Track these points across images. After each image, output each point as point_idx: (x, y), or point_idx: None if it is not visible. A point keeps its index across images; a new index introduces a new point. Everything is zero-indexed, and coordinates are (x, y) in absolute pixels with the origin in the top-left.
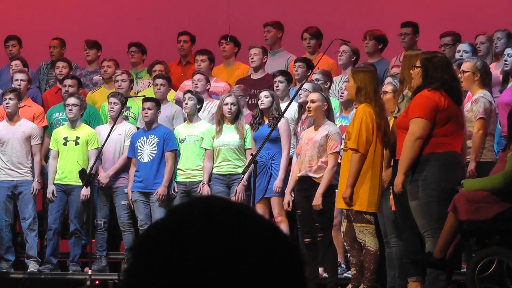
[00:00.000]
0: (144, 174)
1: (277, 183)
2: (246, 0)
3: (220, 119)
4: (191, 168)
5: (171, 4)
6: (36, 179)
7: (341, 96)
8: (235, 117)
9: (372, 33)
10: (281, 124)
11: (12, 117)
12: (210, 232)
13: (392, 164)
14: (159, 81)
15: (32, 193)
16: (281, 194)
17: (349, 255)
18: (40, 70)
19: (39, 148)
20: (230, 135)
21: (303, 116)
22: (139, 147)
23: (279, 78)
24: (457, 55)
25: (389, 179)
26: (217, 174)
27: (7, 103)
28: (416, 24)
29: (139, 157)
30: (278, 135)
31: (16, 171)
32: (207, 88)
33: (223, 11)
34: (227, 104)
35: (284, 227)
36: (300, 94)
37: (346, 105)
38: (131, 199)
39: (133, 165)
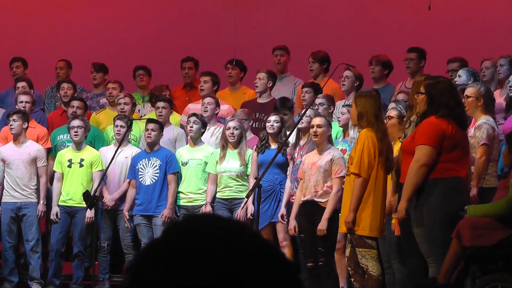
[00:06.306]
0: (146, 197)
1: (282, 210)
2: (252, 24)
3: (224, 144)
4: (193, 192)
5: (177, 27)
6: (42, 201)
7: (338, 120)
8: (239, 142)
9: (378, 58)
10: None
11: (17, 138)
12: (207, 250)
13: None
14: (161, 104)
15: (38, 215)
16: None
17: (352, 279)
18: (46, 94)
19: (45, 170)
20: (232, 162)
21: (302, 142)
22: (140, 169)
23: (284, 111)
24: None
25: (396, 204)
26: (219, 198)
27: (11, 125)
28: (422, 49)
29: (140, 179)
30: (286, 160)
31: (20, 193)
32: (216, 112)
33: (229, 35)
34: (229, 128)
35: (288, 252)
36: (302, 120)
37: (345, 129)
38: (127, 219)
39: (132, 187)
